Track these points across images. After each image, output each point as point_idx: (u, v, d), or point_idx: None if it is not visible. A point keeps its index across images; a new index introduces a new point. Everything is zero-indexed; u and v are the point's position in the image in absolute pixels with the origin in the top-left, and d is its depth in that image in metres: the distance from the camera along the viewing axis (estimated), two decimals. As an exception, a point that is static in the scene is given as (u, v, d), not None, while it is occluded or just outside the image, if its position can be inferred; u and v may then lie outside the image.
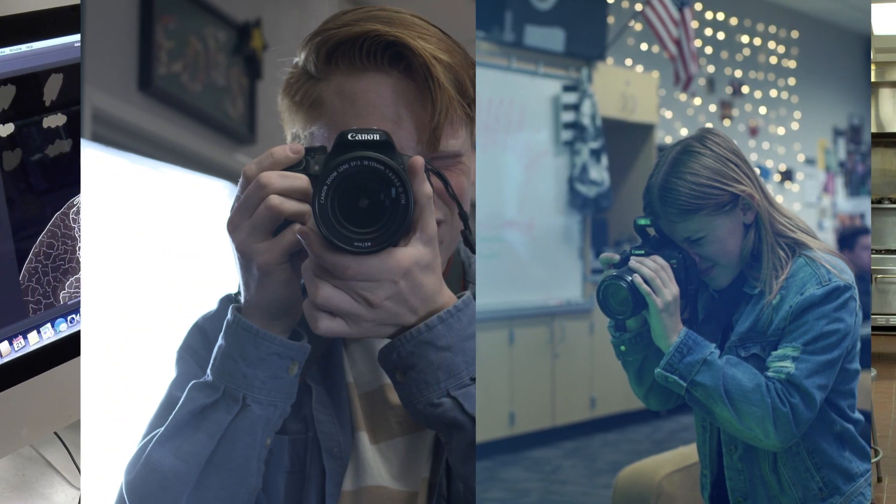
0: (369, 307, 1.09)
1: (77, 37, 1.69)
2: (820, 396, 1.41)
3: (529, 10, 4.66)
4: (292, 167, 1.13)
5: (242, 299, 1.16)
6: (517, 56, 4.68)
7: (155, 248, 2.78)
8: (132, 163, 2.84)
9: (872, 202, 7.15)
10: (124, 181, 2.79)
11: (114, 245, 2.58)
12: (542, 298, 4.80)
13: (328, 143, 1.13)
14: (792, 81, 6.75)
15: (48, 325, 1.75)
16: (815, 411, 1.42)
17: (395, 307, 1.10)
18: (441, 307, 1.12)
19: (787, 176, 6.80)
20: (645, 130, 5.49)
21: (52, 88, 1.67)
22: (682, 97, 5.99)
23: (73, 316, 1.80)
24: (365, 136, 1.09)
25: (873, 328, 6.63)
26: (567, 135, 4.87)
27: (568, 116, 4.87)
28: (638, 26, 5.30)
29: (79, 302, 1.80)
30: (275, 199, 1.11)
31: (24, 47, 1.61)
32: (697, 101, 6.16)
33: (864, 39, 6.82)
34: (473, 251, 1.28)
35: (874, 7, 5.38)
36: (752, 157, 6.43)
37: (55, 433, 2.00)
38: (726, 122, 6.37)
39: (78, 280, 1.78)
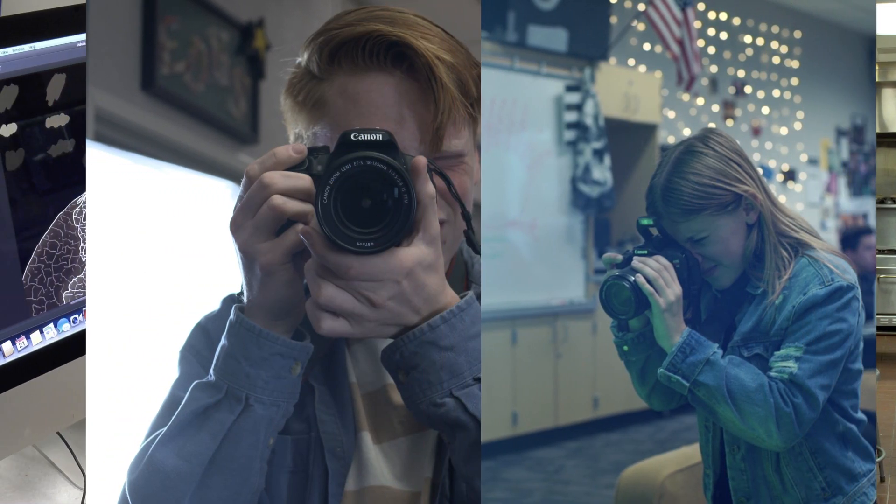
0: (372, 307, 1.09)
1: (80, 37, 1.69)
2: (823, 396, 1.41)
3: (532, 10, 4.66)
4: (295, 167, 1.12)
5: (245, 299, 1.16)
6: (520, 56, 4.67)
7: (158, 248, 2.79)
8: (135, 163, 2.84)
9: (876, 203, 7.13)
10: (127, 181, 2.79)
11: (117, 245, 2.58)
12: (545, 298, 4.80)
13: (331, 143, 1.13)
14: (795, 81, 6.75)
15: (51, 324, 1.75)
16: (818, 411, 1.42)
17: (397, 307, 1.10)
18: (444, 307, 1.12)
19: (790, 176, 6.79)
20: (648, 130, 5.49)
21: (54, 88, 1.67)
22: (685, 97, 5.99)
23: (76, 316, 1.80)
24: (368, 136, 1.09)
25: (877, 328, 6.61)
26: (570, 135, 4.87)
27: (571, 116, 4.86)
28: (641, 26, 5.30)
29: (82, 302, 1.80)
30: (278, 199, 1.10)
31: (26, 47, 1.61)
32: (700, 101, 6.16)
33: (868, 39, 6.81)
34: (477, 251, 1.28)
35: (879, 7, 5.37)
36: (755, 157, 6.43)
37: (58, 433, 2.00)
38: (729, 122, 6.36)
39: (80, 280, 1.78)
